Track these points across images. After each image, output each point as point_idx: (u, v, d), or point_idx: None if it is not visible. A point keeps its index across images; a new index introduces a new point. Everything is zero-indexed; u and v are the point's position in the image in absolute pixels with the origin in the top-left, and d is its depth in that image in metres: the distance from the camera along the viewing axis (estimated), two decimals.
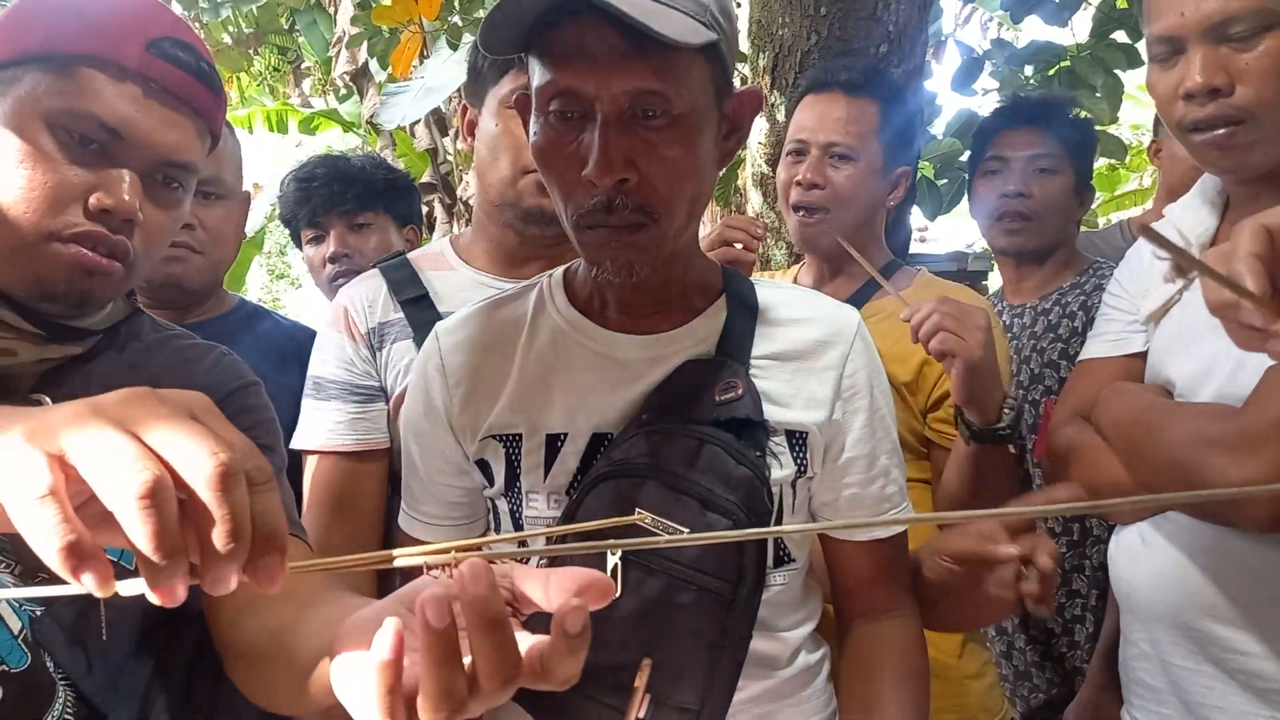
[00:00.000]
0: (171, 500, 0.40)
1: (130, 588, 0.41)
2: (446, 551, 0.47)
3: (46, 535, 0.39)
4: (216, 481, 0.41)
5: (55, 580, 0.41)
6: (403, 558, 0.48)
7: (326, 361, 1.27)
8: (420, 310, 1.26)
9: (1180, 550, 1.02)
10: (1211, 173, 1.08)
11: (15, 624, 0.74)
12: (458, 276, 1.31)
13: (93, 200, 0.78)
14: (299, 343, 1.41)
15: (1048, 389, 1.68)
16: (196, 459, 0.41)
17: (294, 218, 1.87)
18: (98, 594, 0.39)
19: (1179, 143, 1.07)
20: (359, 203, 1.80)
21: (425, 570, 0.49)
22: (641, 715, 0.64)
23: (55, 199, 0.77)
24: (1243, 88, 0.95)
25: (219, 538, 0.41)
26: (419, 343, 1.22)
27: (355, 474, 1.23)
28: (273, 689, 0.77)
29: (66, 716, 0.76)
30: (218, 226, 1.42)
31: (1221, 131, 0.98)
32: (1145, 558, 1.07)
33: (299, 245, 1.91)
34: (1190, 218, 1.10)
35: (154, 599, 0.41)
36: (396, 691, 0.45)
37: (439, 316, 1.22)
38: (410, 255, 1.36)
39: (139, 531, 0.39)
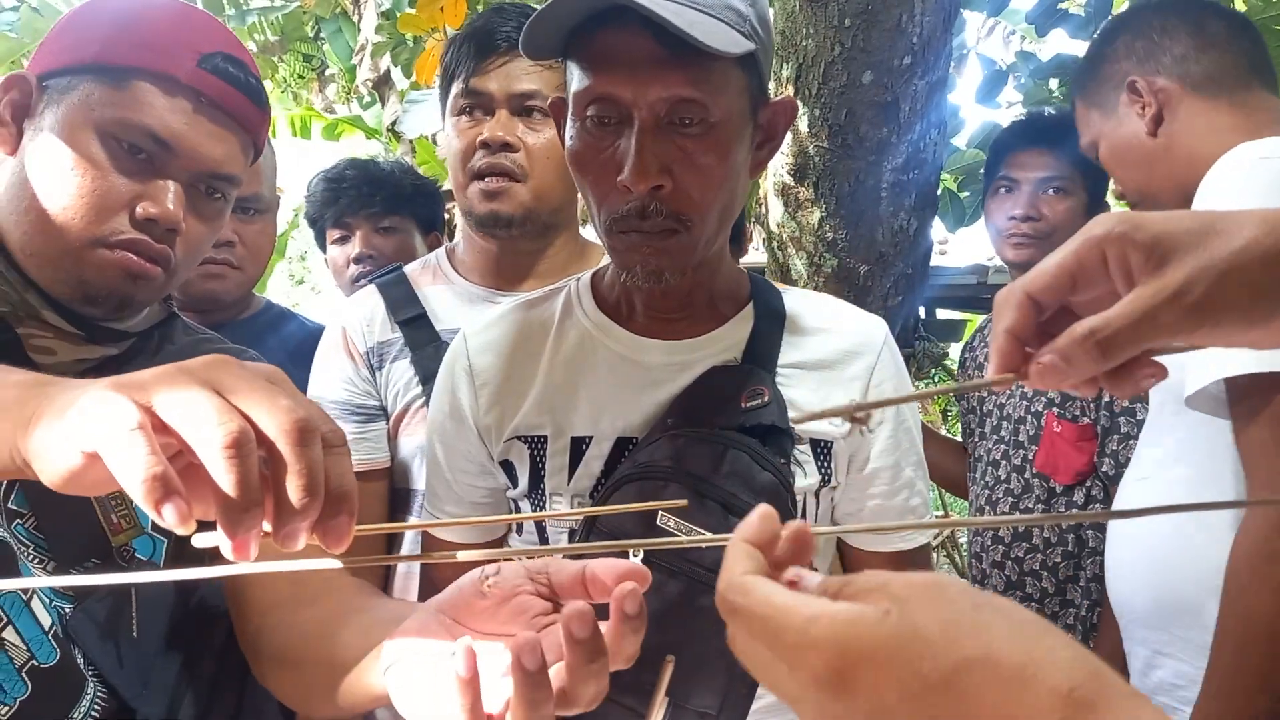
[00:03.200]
0: (253, 452, 0.42)
1: (207, 539, 0.43)
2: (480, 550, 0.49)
3: (136, 465, 0.40)
4: (296, 436, 0.43)
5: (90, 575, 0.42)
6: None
7: (327, 382, 1.27)
8: (418, 330, 1.25)
9: (1175, 560, 1.03)
10: None
11: (46, 620, 0.75)
12: (453, 291, 1.30)
13: (139, 209, 0.80)
14: None
15: (1050, 401, 1.67)
16: (277, 415, 0.43)
17: (320, 217, 1.89)
18: (179, 530, 0.40)
19: None
20: (386, 205, 1.81)
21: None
22: (661, 718, 0.64)
23: (103, 206, 0.80)
24: None
25: (295, 491, 0.42)
26: (417, 363, 1.22)
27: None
28: (307, 692, 0.77)
29: (95, 711, 0.76)
30: (255, 241, 1.46)
31: None
32: (1137, 568, 1.08)
33: (323, 246, 1.93)
34: None
35: (228, 551, 0.42)
36: (478, 708, 0.49)
37: (437, 335, 1.22)
38: (407, 269, 1.35)
39: (226, 479, 0.41)
